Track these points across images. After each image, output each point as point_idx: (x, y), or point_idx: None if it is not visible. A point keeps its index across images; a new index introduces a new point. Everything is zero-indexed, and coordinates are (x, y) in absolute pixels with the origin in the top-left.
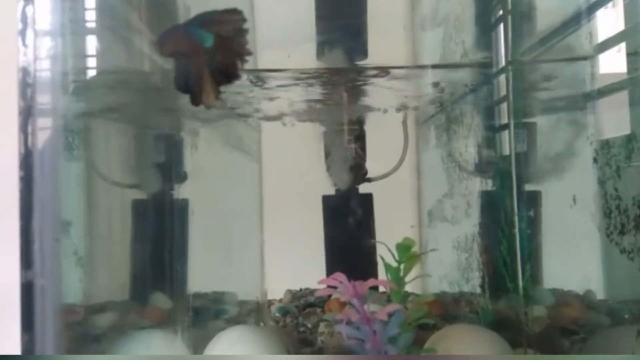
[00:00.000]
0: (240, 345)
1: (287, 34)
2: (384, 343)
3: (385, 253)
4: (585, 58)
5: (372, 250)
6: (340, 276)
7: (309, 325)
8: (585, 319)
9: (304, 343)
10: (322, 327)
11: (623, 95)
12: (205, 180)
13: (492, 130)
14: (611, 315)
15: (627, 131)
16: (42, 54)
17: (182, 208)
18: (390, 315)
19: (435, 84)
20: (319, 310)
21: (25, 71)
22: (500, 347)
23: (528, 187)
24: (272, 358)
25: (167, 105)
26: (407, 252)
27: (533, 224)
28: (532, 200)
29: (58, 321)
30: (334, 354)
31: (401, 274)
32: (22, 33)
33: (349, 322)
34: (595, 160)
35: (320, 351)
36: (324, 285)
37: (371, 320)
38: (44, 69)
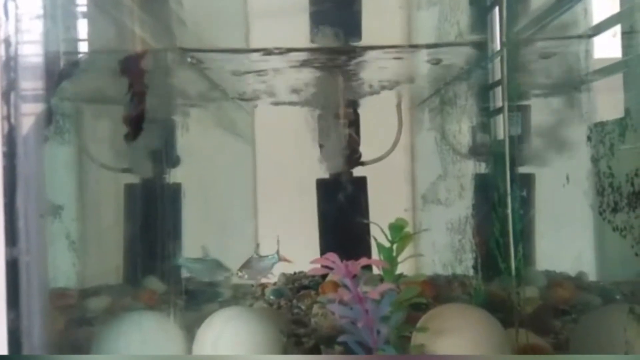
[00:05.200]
0: (235, 322)
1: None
2: (376, 322)
3: (378, 234)
4: (580, 37)
5: (366, 233)
6: (332, 256)
7: (303, 307)
8: (577, 299)
9: (298, 324)
10: (315, 309)
11: (617, 79)
12: (198, 164)
13: (486, 113)
14: (603, 296)
15: (621, 114)
16: (24, 27)
17: (175, 192)
18: (382, 295)
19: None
20: (313, 292)
21: (7, 44)
22: (492, 326)
23: (522, 170)
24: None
25: (158, 87)
26: (400, 232)
27: (526, 206)
28: (526, 183)
29: (45, 299)
30: (327, 334)
31: (394, 254)
32: (4, 4)
33: (341, 302)
34: (589, 139)
35: (313, 332)
36: (316, 265)
37: (363, 300)
38: (27, 43)
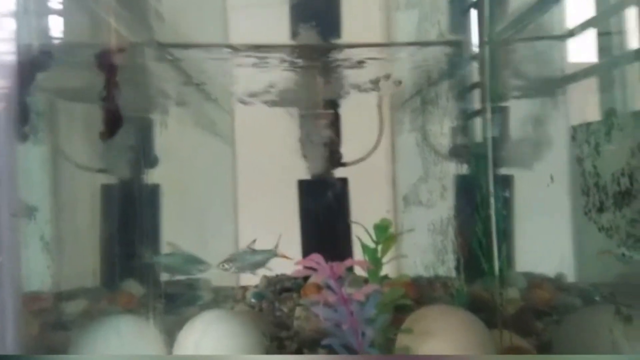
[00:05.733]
0: (217, 325)
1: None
2: (361, 324)
3: (361, 235)
4: (560, 37)
5: (347, 235)
6: (317, 257)
7: (285, 310)
8: (557, 301)
9: (280, 326)
10: (298, 311)
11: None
12: (177, 164)
13: (466, 114)
14: (582, 297)
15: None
16: None
17: (153, 193)
18: (367, 296)
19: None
20: (295, 295)
21: None
22: (477, 328)
23: (501, 171)
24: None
25: (135, 84)
26: (385, 233)
27: (507, 208)
28: (505, 184)
29: (18, 302)
30: (310, 337)
31: (378, 254)
32: None
33: (326, 304)
34: (573, 138)
35: (296, 335)
36: (301, 267)
37: (348, 301)
38: None
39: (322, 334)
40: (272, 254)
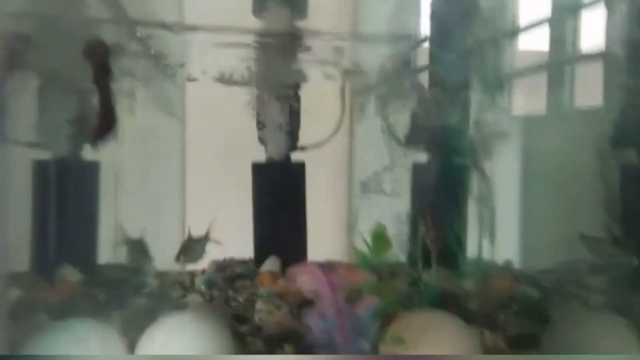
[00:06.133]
0: (181, 332)
1: None
2: (356, 336)
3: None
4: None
5: (301, 220)
6: (313, 268)
7: (241, 300)
8: (515, 290)
9: (239, 320)
10: (259, 304)
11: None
12: (123, 141)
13: (427, 101)
14: (531, 284)
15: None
16: None
17: (92, 171)
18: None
19: None
20: (249, 282)
21: None
22: (460, 328)
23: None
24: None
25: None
26: (383, 241)
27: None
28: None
29: None
30: (275, 332)
31: (373, 262)
32: None
33: (321, 316)
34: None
35: (257, 329)
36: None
37: (344, 314)
38: None
39: (286, 328)
40: (207, 239)
